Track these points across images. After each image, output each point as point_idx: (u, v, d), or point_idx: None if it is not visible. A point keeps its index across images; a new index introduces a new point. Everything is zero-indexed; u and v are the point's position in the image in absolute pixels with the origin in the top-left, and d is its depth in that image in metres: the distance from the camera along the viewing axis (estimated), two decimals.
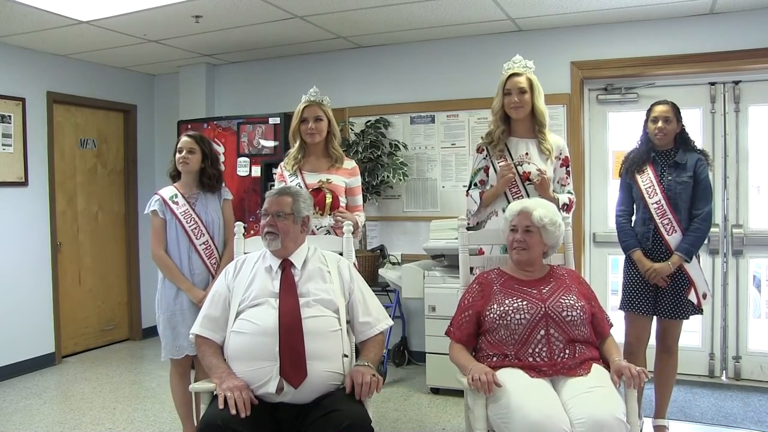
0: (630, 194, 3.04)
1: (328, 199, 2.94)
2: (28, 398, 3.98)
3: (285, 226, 2.27)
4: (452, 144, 4.56)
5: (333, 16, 4.00)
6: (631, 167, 3.00)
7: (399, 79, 4.69)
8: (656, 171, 2.94)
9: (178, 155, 2.95)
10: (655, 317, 3.00)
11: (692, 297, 2.91)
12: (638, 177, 2.96)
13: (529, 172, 2.77)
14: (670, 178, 2.91)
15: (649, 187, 2.93)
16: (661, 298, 2.93)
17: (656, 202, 2.91)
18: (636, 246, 2.96)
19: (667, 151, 2.96)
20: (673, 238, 2.89)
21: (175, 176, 3.03)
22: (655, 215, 2.91)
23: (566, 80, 4.21)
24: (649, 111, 3.00)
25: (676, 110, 2.95)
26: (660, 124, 2.92)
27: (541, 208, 2.36)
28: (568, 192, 2.91)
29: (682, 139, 2.97)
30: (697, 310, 2.95)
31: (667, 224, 2.89)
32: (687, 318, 2.94)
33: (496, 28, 4.25)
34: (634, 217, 3.05)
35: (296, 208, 2.31)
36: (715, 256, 4.03)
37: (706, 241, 3.95)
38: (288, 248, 2.30)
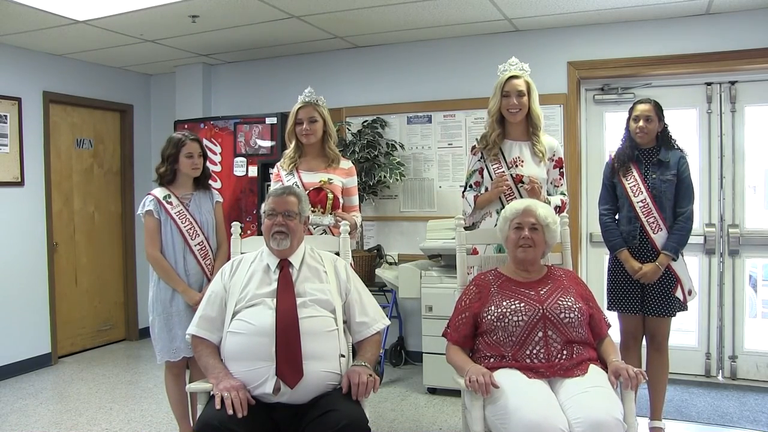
0: (614, 192, 3.02)
1: (330, 199, 2.93)
2: (24, 399, 3.96)
3: (294, 225, 2.30)
4: (449, 144, 4.56)
5: (330, 16, 4.00)
6: (617, 167, 2.99)
7: (396, 79, 4.69)
8: (640, 170, 2.94)
9: (188, 160, 2.87)
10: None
11: (678, 294, 2.92)
12: (623, 176, 2.96)
13: (522, 175, 2.78)
14: (654, 176, 2.91)
15: (634, 186, 2.92)
16: (648, 295, 2.93)
17: (641, 201, 2.90)
18: (622, 245, 2.95)
19: (650, 150, 2.96)
20: (659, 237, 2.88)
21: (170, 179, 2.93)
22: (640, 214, 2.90)
23: (563, 80, 4.22)
24: (631, 110, 2.99)
25: (657, 109, 2.93)
26: (641, 123, 2.91)
27: (541, 208, 2.39)
28: (561, 193, 2.91)
29: (663, 138, 2.96)
30: (683, 306, 2.96)
31: (653, 223, 2.89)
32: (674, 315, 2.94)
33: (493, 28, 4.25)
34: (617, 215, 3.03)
35: (302, 208, 2.35)
36: (711, 256, 4.04)
37: (702, 241, 4.00)
38: (293, 248, 2.31)
